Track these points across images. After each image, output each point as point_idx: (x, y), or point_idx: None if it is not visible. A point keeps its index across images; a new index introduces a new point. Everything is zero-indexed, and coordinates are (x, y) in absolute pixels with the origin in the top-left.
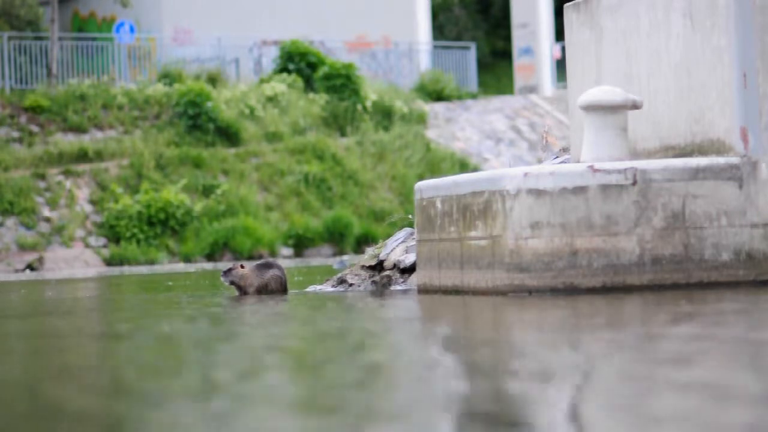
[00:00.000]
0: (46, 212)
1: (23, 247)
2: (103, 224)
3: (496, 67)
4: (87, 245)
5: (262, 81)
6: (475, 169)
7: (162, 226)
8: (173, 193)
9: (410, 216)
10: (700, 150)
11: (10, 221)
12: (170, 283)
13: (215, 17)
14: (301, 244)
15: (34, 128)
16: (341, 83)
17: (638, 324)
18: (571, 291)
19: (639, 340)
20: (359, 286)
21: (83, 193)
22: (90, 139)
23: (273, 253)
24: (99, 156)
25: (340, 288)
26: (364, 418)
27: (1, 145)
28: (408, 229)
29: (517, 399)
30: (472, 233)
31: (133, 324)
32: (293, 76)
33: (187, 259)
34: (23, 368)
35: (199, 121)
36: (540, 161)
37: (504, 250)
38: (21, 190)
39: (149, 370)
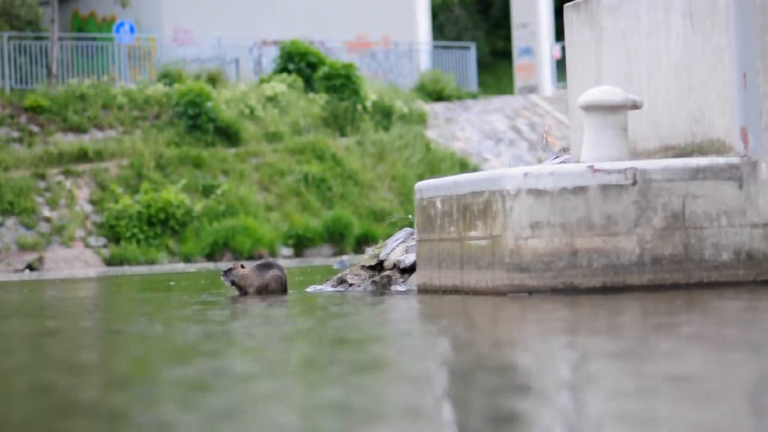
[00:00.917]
0: (46, 212)
1: (23, 247)
2: (103, 224)
3: (496, 67)
4: (87, 245)
5: (262, 81)
6: (475, 169)
7: (162, 226)
8: (173, 193)
9: (410, 216)
10: (700, 150)
11: (10, 221)
12: (172, 283)
13: (215, 17)
14: (301, 244)
15: (34, 128)
16: (341, 83)
17: (638, 324)
18: (571, 291)
19: (639, 340)
20: (359, 286)
21: (83, 193)
22: (90, 139)
23: (273, 253)
24: (99, 156)
25: (340, 288)
26: (361, 420)
27: (1, 145)
28: (408, 229)
29: (515, 401)
30: (472, 233)
31: (149, 322)
32: (293, 76)
33: (187, 259)
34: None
35: (199, 121)
36: (540, 161)
37: (504, 250)
38: (21, 190)
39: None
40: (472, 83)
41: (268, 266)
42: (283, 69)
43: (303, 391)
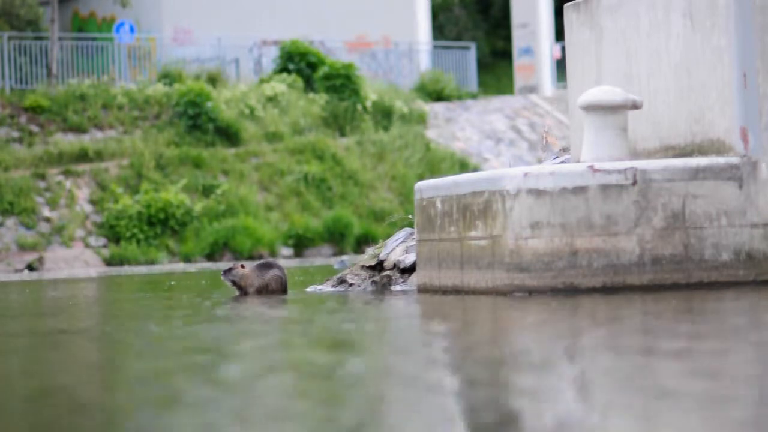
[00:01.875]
0: (46, 212)
1: (23, 247)
2: (103, 224)
3: (496, 67)
4: (87, 245)
5: (262, 81)
6: (475, 169)
7: (162, 226)
8: (173, 193)
9: (410, 216)
10: (700, 150)
11: (10, 221)
12: (173, 283)
13: (215, 17)
14: (301, 244)
15: (34, 128)
16: (341, 83)
17: (638, 325)
18: (571, 291)
19: (639, 341)
20: (359, 286)
21: (83, 193)
22: (90, 139)
23: (273, 253)
24: (99, 156)
25: (340, 288)
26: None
27: (1, 145)
28: (408, 229)
29: (514, 403)
30: (472, 233)
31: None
32: (293, 76)
33: (187, 259)
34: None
35: (199, 121)
36: (540, 161)
37: (504, 250)
38: (21, 190)
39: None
40: (472, 83)
41: (268, 266)
42: (283, 69)
43: (301, 392)
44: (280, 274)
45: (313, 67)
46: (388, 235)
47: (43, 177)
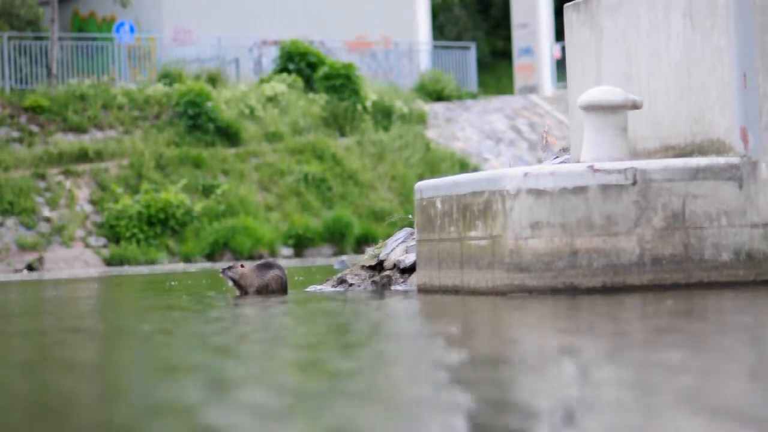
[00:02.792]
0: (46, 212)
1: (23, 247)
2: (103, 224)
3: (496, 67)
4: (87, 245)
5: (262, 81)
6: (475, 169)
7: (162, 226)
8: (173, 193)
9: (410, 216)
10: (700, 150)
11: (10, 221)
12: (174, 283)
13: (215, 17)
14: (301, 244)
15: (34, 128)
16: (341, 83)
17: (638, 325)
18: (571, 291)
19: (639, 342)
20: (359, 286)
21: (83, 193)
22: (90, 139)
23: (273, 253)
24: (99, 156)
25: (340, 288)
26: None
27: (1, 145)
28: (408, 229)
29: (512, 404)
30: (472, 233)
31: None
32: (293, 76)
33: (187, 259)
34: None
35: (199, 121)
36: (540, 161)
37: (504, 250)
38: (21, 190)
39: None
40: (472, 83)
41: (268, 266)
42: (283, 69)
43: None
44: (280, 274)
45: (313, 67)
46: (388, 235)
47: (43, 177)
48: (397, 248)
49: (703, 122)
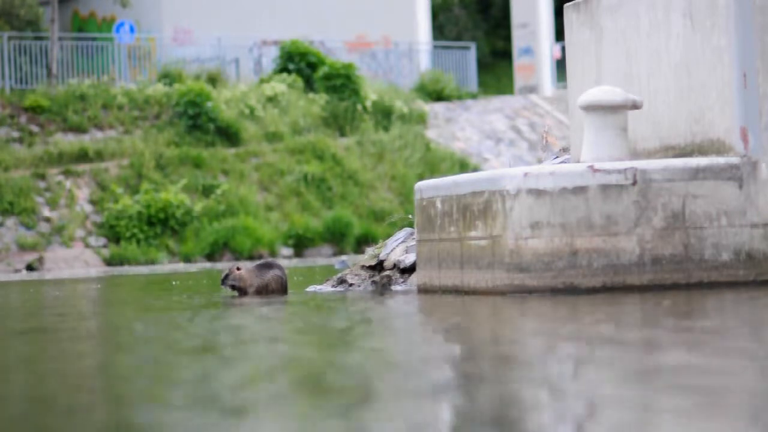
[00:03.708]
0: (46, 212)
1: (23, 247)
2: (103, 224)
3: (496, 67)
4: (87, 245)
5: (262, 81)
6: (475, 169)
7: (162, 226)
8: (173, 193)
9: (410, 216)
10: (700, 150)
11: (10, 221)
12: (175, 283)
13: (215, 17)
14: (301, 244)
15: (34, 128)
16: (341, 83)
17: (638, 326)
18: (571, 291)
19: (639, 343)
20: (359, 286)
21: (83, 193)
22: (90, 139)
23: (273, 253)
24: (99, 156)
25: (340, 288)
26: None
27: (1, 145)
28: (408, 229)
29: (512, 405)
30: (472, 233)
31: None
32: (293, 76)
33: (187, 259)
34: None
35: (199, 121)
36: (540, 161)
37: (504, 250)
38: (21, 190)
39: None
40: (472, 83)
41: (268, 266)
42: (283, 69)
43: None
44: (280, 275)
45: (313, 67)
46: (388, 235)
47: (43, 177)
48: (397, 248)
49: (703, 122)
